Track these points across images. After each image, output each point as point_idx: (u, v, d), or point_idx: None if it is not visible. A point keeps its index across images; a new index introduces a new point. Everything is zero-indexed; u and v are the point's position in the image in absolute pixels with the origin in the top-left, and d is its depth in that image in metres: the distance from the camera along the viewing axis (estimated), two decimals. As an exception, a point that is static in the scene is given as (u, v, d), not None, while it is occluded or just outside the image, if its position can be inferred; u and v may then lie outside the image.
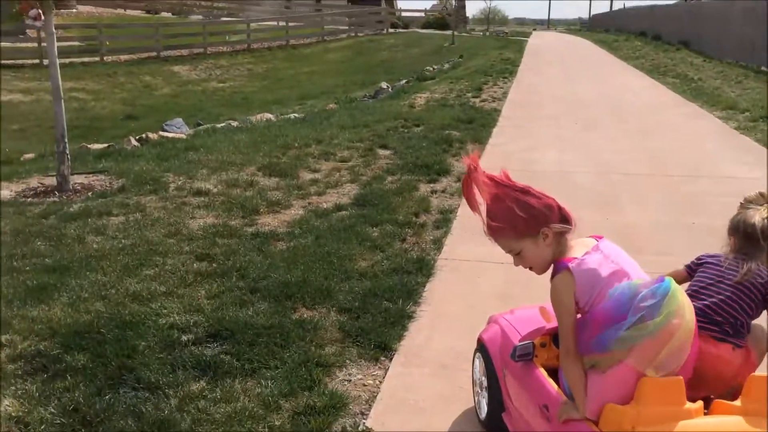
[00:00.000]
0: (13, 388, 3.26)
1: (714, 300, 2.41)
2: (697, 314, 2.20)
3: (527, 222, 2.16)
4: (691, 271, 2.60)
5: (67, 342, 3.64)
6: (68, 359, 3.48)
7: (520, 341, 2.53)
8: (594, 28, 54.27)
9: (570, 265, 2.13)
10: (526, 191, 2.19)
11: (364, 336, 3.79)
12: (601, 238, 2.26)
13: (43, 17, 6.86)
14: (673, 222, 5.86)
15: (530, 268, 2.30)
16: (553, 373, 2.39)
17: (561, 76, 18.62)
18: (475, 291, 4.48)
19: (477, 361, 3.01)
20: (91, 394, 3.17)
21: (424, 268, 4.78)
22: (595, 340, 2.09)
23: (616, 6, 61.09)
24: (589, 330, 2.11)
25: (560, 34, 50.20)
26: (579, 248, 2.20)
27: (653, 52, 26.37)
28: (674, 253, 4.57)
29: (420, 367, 3.53)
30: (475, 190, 2.21)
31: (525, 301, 4.18)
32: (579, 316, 2.18)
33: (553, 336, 2.49)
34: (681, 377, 2.04)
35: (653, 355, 2.03)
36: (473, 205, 2.25)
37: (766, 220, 2.46)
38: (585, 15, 75.10)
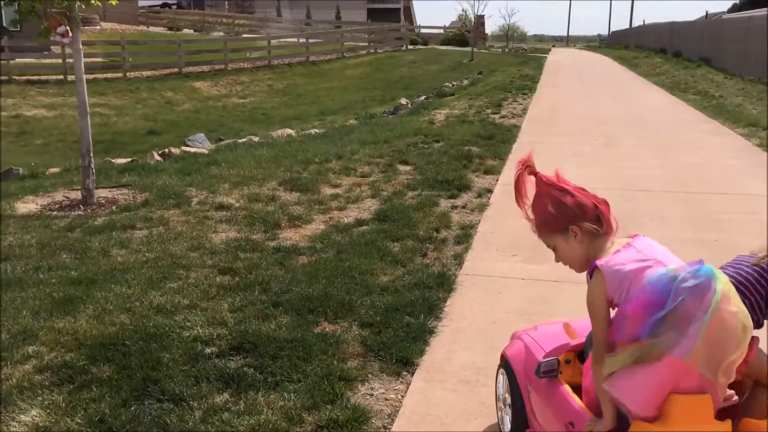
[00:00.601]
0: (40, 398, 3.30)
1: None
2: None
3: (557, 218, 2.25)
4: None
5: (93, 353, 3.69)
6: (94, 370, 3.52)
7: (544, 357, 2.53)
8: (613, 44, 54.21)
9: (599, 263, 2.16)
10: (564, 190, 2.27)
11: (385, 350, 3.80)
12: (636, 236, 2.29)
13: (70, 34, 7.00)
14: (695, 239, 5.82)
15: (569, 266, 2.33)
16: (579, 389, 2.39)
17: (580, 93, 18.61)
18: (497, 306, 4.48)
19: (500, 378, 3.01)
20: (116, 405, 3.21)
21: (445, 284, 4.78)
22: (637, 329, 2.06)
23: (636, 23, 60.99)
24: (628, 321, 2.09)
25: (579, 50, 50.20)
26: (614, 249, 2.23)
27: (673, 68, 26.28)
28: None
29: (442, 382, 3.53)
30: (524, 188, 2.33)
31: (547, 318, 4.19)
32: (615, 310, 2.17)
33: (578, 352, 2.49)
34: (709, 395, 2.03)
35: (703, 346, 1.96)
36: (520, 203, 2.34)
37: None
38: (604, 31, 75.06)
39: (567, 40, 75.40)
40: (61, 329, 3.99)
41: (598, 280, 2.16)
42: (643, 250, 2.19)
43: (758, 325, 2.39)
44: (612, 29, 66.12)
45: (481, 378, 3.52)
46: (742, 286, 2.39)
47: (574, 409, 2.31)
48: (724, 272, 2.27)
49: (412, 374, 3.62)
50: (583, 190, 2.30)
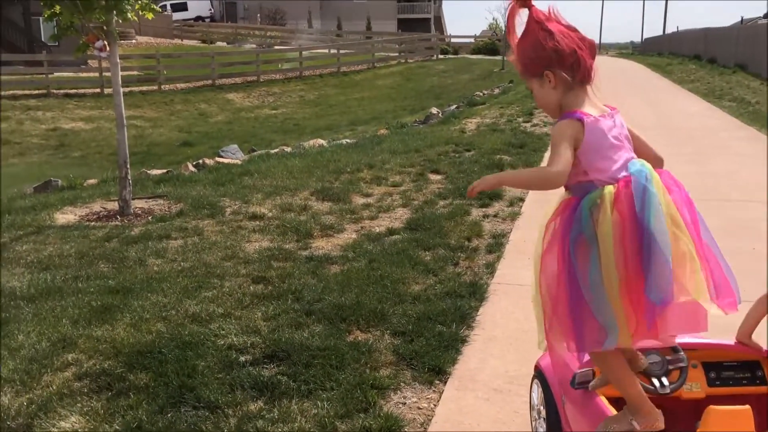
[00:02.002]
0: (79, 405, 3.37)
1: None
2: None
3: (533, 61, 2.17)
4: None
5: (130, 361, 3.76)
6: (131, 378, 3.59)
7: (580, 368, 2.51)
8: (646, 51, 53.60)
9: (585, 119, 2.12)
10: (548, 32, 2.14)
11: (418, 359, 3.81)
12: (615, 108, 2.27)
13: (108, 48, 7.16)
14: (733, 248, 5.69)
15: (544, 111, 2.31)
16: (614, 401, 2.37)
17: (613, 100, 18.29)
18: (529, 316, 4.42)
19: (535, 388, 2.99)
20: (153, 412, 3.26)
21: (477, 293, 4.78)
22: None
23: (670, 29, 60.32)
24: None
25: (612, 57, 49.70)
26: (593, 109, 2.19)
27: (708, 75, 25.88)
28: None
29: (474, 391, 3.53)
30: (514, 22, 2.23)
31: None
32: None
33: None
34: (749, 407, 2.01)
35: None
36: (510, 38, 2.26)
37: None
38: (637, 38, 74.35)
39: (599, 48, 74.89)
40: (99, 337, 4.07)
41: (576, 126, 2.13)
42: (619, 128, 2.22)
43: None
44: (645, 36, 65.41)
45: (514, 387, 3.51)
46: None
47: (610, 420, 2.29)
48: None
49: (445, 383, 3.62)
50: (573, 31, 2.18)
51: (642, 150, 2.31)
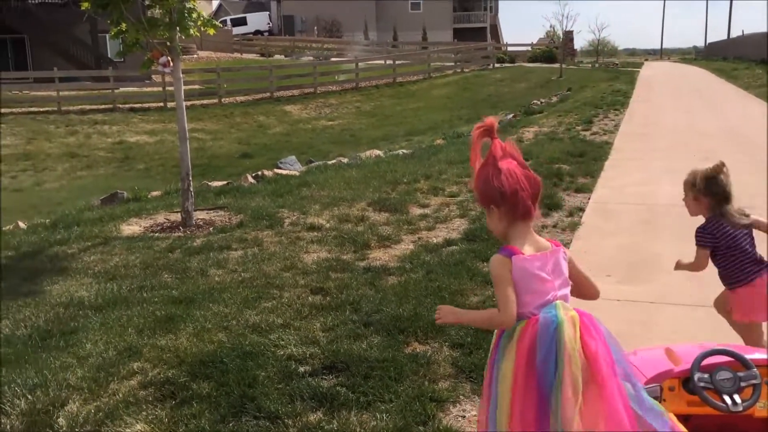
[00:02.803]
0: (144, 413, 3.45)
1: None
2: None
3: (482, 194, 2.38)
4: None
5: (193, 370, 3.83)
6: (194, 387, 3.66)
7: (645, 384, 2.44)
8: (710, 56, 52.15)
9: (513, 258, 2.29)
10: (497, 170, 2.33)
11: (477, 372, 3.76)
12: (558, 245, 2.39)
13: (171, 64, 7.36)
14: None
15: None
16: (683, 419, 2.29)
17: (676, 107, 17.99)
18: (591, 329, 4.36)
19: (598, 402, 2.92)
20: (215, 421, 3.32)
21: (537, 305, 4.70)
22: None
23: (734, 33, 58.52)
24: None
25: (674, 63, 48.56)
26: (530, 246, 2.35)
27: (777, 79, 25.01)
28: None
29: (535, 406, 3.46)
30: (477, 150, 2.44)
31: (646, 342, 4.04)
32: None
33: (683, 380, 2.39)
34: None
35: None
36: (472, 163, 2.46)
37: None
38: (700, 43, 72.42)
39: (660, 54, 73.17)
40: (163, 346, 4.17)
41: (506, 264, 2.29)
42: (549, 267, 2.33)
43: None
44: (708, 41, 63.66)
45: (576, 402, 3.43)
46: None
47: (678, 438, 2.21)
48: None
49: (505, 397, 3.56)
50: (523, 168, 2.35)
51: (581, 283, 2.49)
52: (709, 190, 3.36)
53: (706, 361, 2.37)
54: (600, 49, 57.19)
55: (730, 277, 3.47)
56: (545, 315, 2.26)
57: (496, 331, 2.39)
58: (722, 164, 3.37)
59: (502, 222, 2.37)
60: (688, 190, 3.47)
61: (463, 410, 3.45)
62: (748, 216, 3.41)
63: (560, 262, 2.37)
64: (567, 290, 2.39)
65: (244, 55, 46.20)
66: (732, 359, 2.38)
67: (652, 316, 4.50)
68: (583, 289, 2.51)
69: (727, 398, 2.31)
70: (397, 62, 35.71)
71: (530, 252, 2.33)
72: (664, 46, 75.49)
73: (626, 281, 5.14)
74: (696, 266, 3.52)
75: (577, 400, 2.18)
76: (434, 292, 4.91)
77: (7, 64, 33.43)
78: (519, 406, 2.23)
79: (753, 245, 3.44)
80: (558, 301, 2.32)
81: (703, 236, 3.42)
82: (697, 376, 2.32)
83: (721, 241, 3.38)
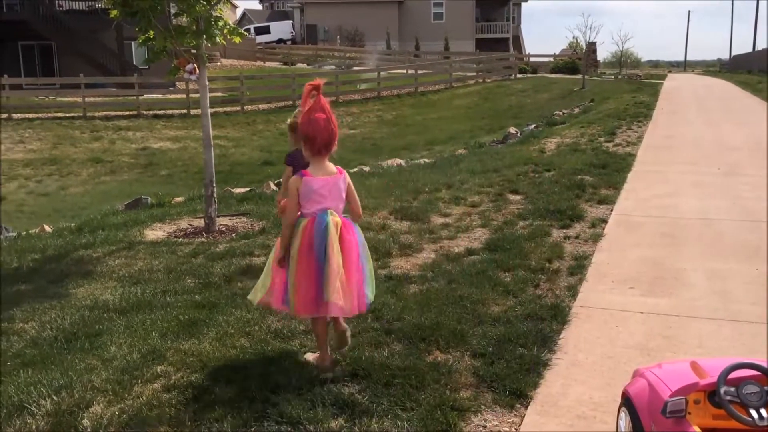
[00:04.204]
0: (167, 416, 3.48)
1: None
2: None
3: (300, 131, 3.78)
4: None
5: (216, 375, 3.86)
6: (217, 391, 3.68)
7: (670, 397, 2.42)
8: (735, 69, 51.65)
9: (304, 177, 3.70)
10: (309, 119, 3.69)
11: (498, 382, 3.76)
12: (341, 173, 3.78)
13: (197, 71, 7.45)
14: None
15: None
16: None
17: (700, 120, 17.84)
18: (614, 341, 4.34)
19: (622, 416, 2.90)
20: (238, 426, 3.34)
21: (558, 315, 4.69)
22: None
23: (760, 45, 57.92)
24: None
25: (698, 75, 48.18)
26: (319, 171, 3.72)
27: (803, 92, 24.71)
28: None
29: (557, 417, 3.45)
30: (306, 101, 3.74)
31: (669, 355, 4.03)
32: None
33: (709, 393, 2.37)
34: None
35: None
36: (302, 106, 3.78)
37: None
38: (725, 56, 71.74)
39: (684, 66, 72.64)
40: (186, 350, 4.20)
41: (296, 183, 3.71)
42: (327, 187, 3.72)
43: None
44: (733, 53, 63.08)
45: (599, 414, 3.42)
46: None
47: (703, 452, 2.20)
48: None
49: (526, 407, 3.56)
50: (326, 122, 3.67)
51: (350, 202, 3.87)
52: None
53: (732, 375, 2.36)
54: (623, 61, 56.86)
55: None
56: (320, 217, 3.68)
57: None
58: None
59: (306, 152, 3.75)
60: None
61: (485, 420, 3.44)
62: None
63: (339, 185, 3.76)
64: (340, 204, 3.78)
65: (267, 64, 46.55)
66: (759, 373, 2.36)
67: (676, 330, 4.46)
68: (350, 206, 3.89)
69: (753, 412, 2.29)
70: (418, 72, 35.77)
71: (318, 175, 3.71)
72: (688, 59, 74.89)
73: (650, 294, 5.11)
74: None
75: (338, 273, 3.62)
76: (456, 301, 4.91)
77: (34, 70, 33.96)
78: (302, 276, 3.67)
79: None
80: (330, 210, 3.71)
81: None
82: (723, 389, 2.31)
83: None
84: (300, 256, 3.63)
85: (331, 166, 3.75)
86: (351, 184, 3.81)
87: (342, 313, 3.75)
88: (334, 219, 3.66)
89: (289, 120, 5.13)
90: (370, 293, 3.87)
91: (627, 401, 2.82)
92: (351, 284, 3.69)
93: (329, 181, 3.70)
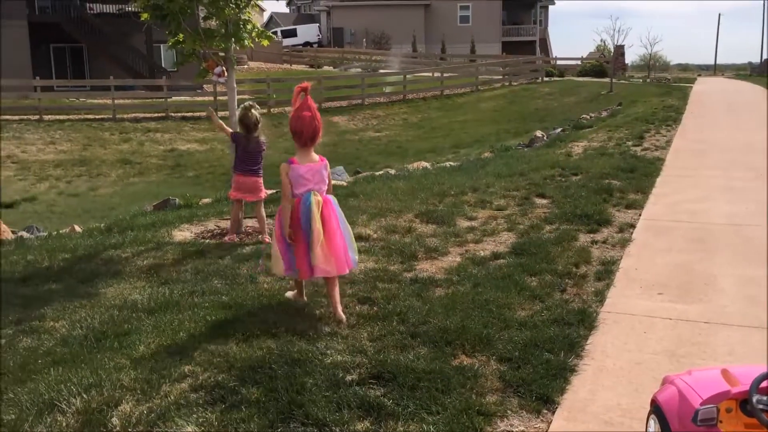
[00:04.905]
0: (195, 416, 3.51)
1: None
2: None
3: (290, 127, 4.75)
4: None
5: (243, 375, 3.88)
6: (243, 392, 3.70)
7: (701, 405, 2.39)
8: (766, 72, 50.82)
9: (292, 165, 4.68)
10: (296, 116, 4.67)
11: (525, 387, 3.74)
12: (323, 161, 4.79)
13: (226, 74, 7.51)
14: None
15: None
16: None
17: (730, 123, 17.59)
18: (642, 347, 4.29)
19: (651, 423, 2.87)
20: (264, 426, 3.36)
21: (585, 321, 4.65)
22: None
23: (792, 48, 56.75)
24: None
25: (728, 79, 47.49)
26: (304, 158, 4.73)
27: (837, 96, 24.25)
28: None
29: (585, 423, 3.42)
30: (295, 100, 4.69)
31: (699, 362, 3.98)
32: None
33: (741, 402, 2.34)
34: None
35: None
36: (293, 104, 4.71)
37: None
38: (756, 59, 70.65)
39: (714, 69, 71.67)
40: (213, 351, 4.23)
41: (285, 169, 4.69)
42: (311, 173, 4.72)
43: None
44: (764, 56, 62.08)
45: (627, 420, 3.39)
46: None
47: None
48: None
49: (553, 413, 3.54)
50: (311, 119, 4.64)
51: (328, 184, 4.83)
52: None
53: (765, 383, 2.32)
54: (651, 64, 56.25)
55: None
56: (305, 198, 4.65)
57: (279, 207, 4.87)
58: None
59: (295, 144, 4.72)
60: None
61: (511, 425, 3.43)
62: None
63: (321, 171, 4.74)
64: (323, 186, 4.75)
65: (294, 66, 46.83)
66: (793, 382, 2.32)
67: (706, 337, 4.40)
68: (328, 186, 4.84)
69: None
70: (444, 75, 35.73)
71: (303, 163, 4.68)
72: (717, 62, 73.89)
73: (679, 300, 5.05)
74: None
75: (319, 240, 4.59)
76: (482, 305, 4.89)
77: (65, 72, 34.56)
78: (299, 245, 4.67)
79: None
80: (312, 191, 4.66)
81: None
82: (755, 398, 2.27)
83: None
84: (293, 229, 4.66)
85: (315, 156, 4.76)
86: (329, 168, 4.88)
87: (326, 274, 4.70)
88: (316, 198, 4.66)
89: (238, 112, 6.94)
90: (354, 255, 4.93)
91: (656, 409, 2.79)
92: (333, 249, 4.67)
93: (312, 168, 4.71)
